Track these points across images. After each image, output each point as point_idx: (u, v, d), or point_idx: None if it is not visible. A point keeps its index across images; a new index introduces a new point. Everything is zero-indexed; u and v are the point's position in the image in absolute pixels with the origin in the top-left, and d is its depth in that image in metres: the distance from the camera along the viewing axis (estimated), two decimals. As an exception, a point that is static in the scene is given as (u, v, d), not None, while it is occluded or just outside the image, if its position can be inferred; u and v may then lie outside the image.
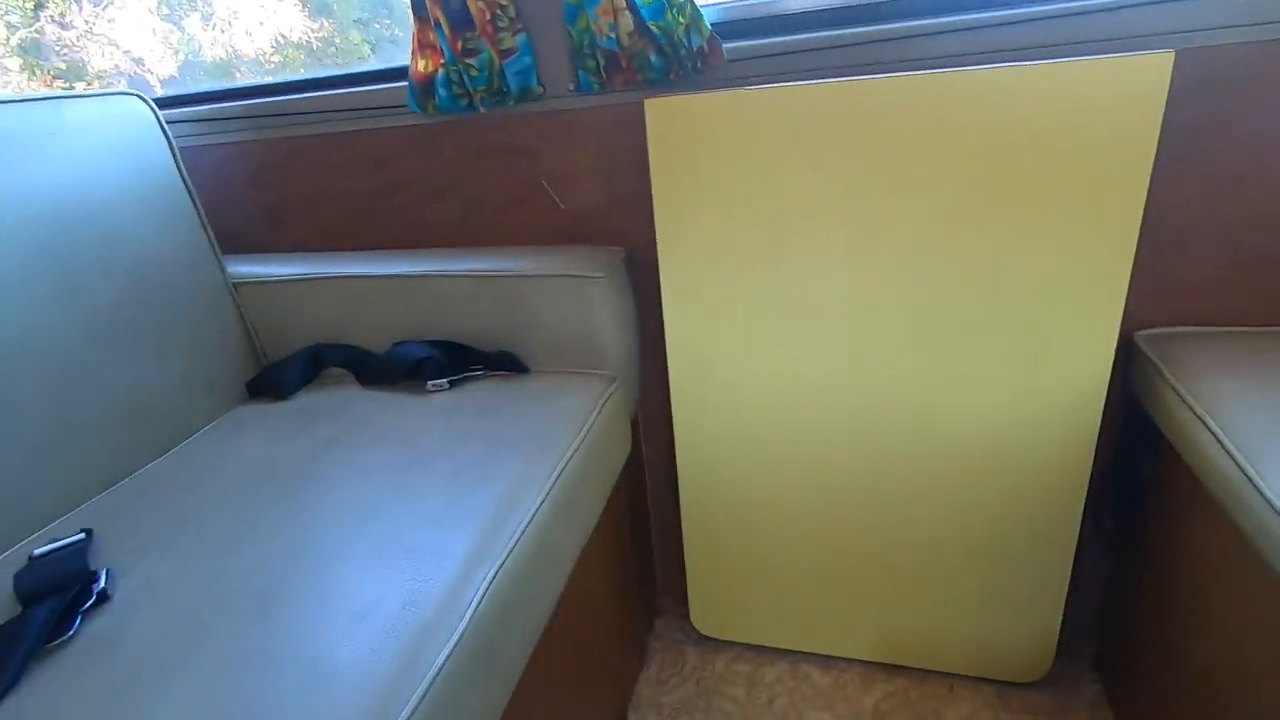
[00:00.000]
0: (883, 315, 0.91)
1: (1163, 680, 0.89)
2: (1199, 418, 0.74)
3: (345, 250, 1.15)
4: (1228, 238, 0.84)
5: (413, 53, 0.95)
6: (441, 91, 0.95)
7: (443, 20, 0.89)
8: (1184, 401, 0.77)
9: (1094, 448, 0.90)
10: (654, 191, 0.92)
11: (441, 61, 0.94)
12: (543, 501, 0.75)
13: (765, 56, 0.88)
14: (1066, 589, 0.99)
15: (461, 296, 1.02)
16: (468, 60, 0.91)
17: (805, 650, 1.19)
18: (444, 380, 0.99)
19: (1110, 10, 0.77)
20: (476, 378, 1.01)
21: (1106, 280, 0.82)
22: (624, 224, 1.03)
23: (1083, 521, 0.95)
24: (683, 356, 1.02)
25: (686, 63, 0.88)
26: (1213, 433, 0.72)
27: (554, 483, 0.78)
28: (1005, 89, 0.77)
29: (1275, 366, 0.78)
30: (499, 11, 0.89)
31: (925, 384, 0.93)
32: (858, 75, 0.83)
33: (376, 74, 1.09)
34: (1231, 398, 0.74)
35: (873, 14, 0.87)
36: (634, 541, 1.16)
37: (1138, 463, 0.94)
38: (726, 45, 0.88)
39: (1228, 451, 0.69)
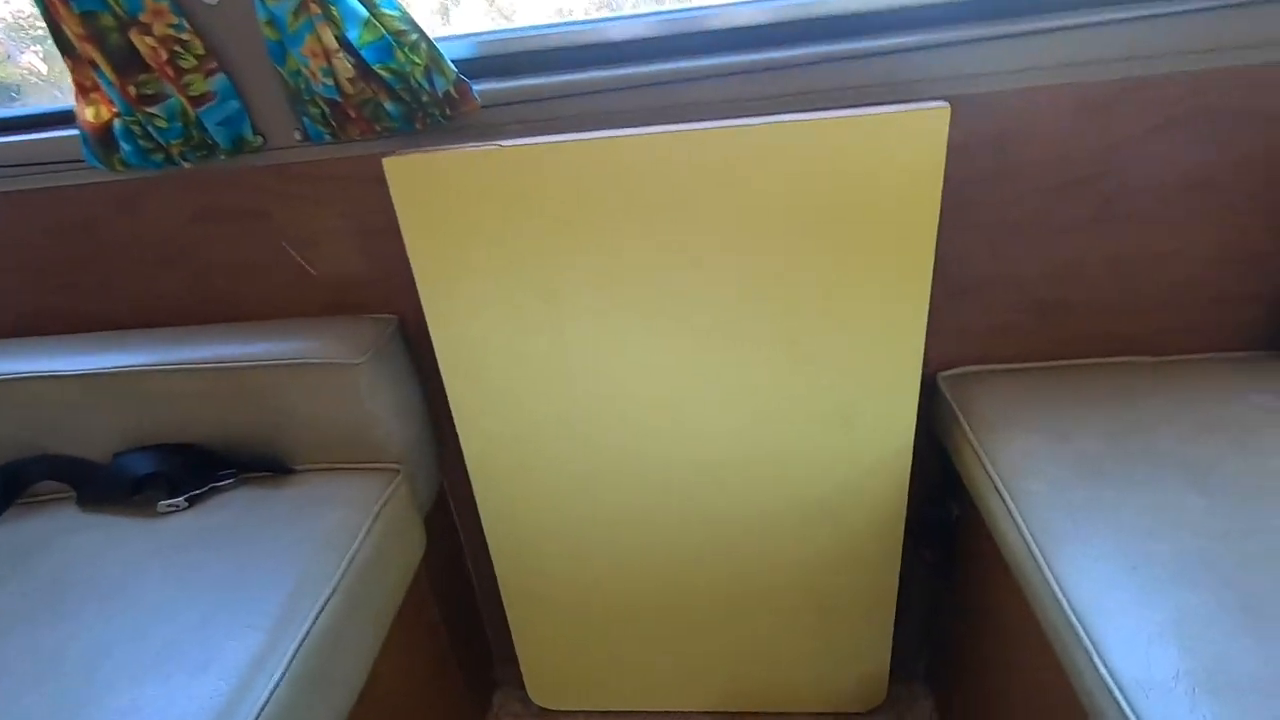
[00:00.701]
0: (683, 382, 0.83)
1: (983, 689, 0.91)
2: (994, 484, 0.72)
3: (48, 334, 0.92)
4: (1014, 282, 0.82)
5: (76, 96, 0.74)
6: (125, 145, 0.75)
7: (101, 61, 0.68)
8: (980, 462, 0.75)
9: (906, 491, 0.89)
10: (410, 257, 0.77)
11: (115, 110, 0.74)
12: (283, 675, 0.61)
13: (525, 102, 0.75)
14: (893, 621, 1.00)
15: (199, 393, 0.84)
16: (149, 109, 0.72)
17: (649, 709, 1.13)
18: (180, 498, 0.82)
19: (887, 54, 0.70)
20: (225, 488, 0.84)
21: (904, 332, 0.79)
22: (393, 289, 0.88)
23: (904, 554, 0.94)
24: (474, 434, 0.89)
25: (432, 110, 0.73)
26: (1005, 503, 0.70)
27: (303, 640, 0.64)
28: (786, 142, 0.69)
29: (1062, 407, 0.78)
30: (179, 49, 0.70)
31: (737, 445, 0.87)
32: (628, 125, 0.72)
33: (57, 115, 0.85)
34: (1023, 457, 0.73)
35: (643, 52, 0.76)
36: (452, 626, 1.04)
37: (948, 502, 0.93)
38: (480, 88, 0.74)
39: (1018, 527, 0.67)
